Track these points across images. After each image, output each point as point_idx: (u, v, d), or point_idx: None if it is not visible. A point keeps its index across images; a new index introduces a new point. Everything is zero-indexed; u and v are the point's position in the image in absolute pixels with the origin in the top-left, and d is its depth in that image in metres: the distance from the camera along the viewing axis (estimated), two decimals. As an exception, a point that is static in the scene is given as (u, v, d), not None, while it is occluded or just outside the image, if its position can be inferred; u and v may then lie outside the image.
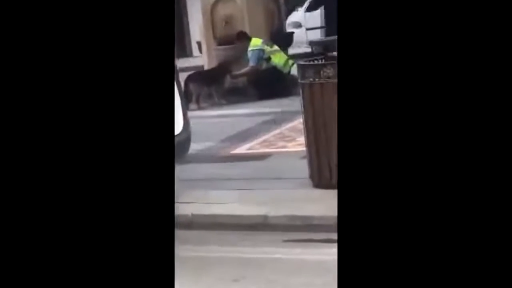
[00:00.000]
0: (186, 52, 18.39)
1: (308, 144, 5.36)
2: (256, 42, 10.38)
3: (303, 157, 5.55)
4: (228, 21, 10.99)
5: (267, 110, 9.10)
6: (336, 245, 4.26)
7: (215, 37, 11.13)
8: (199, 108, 9.74)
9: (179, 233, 4.45)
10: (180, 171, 5.75)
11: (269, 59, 10.37)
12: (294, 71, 8.92)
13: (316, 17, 15.40)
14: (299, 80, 5.39)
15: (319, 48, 11.27)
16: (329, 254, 4.16)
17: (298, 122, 6.46)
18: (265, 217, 4.88)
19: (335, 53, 6.80)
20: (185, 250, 4.47)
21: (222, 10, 11.03)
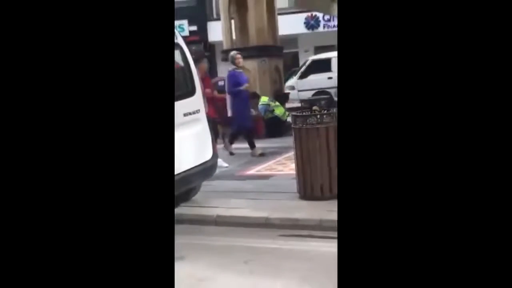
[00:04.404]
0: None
1: (297, 169, 5.31)
2: (264, 99, 10.39)
3: (294, 178, 5.49)
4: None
5: (271, 145, 8.98)
6: (317, 239, 4.31)
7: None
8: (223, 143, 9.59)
9: (207, 228, 4.91)
10: (209, 185, 6.02)
11: (273, 111, 10.33)
12: (289, 119, 8.79)
13: (305, 82, 15.52)
14: (292, 126, 5.34)
15: (306, 104, 11.48)
16: (312, 246, 4.19)
17: (291, 154, 6.36)
18: (267, 218, 4.84)
19: (315, 107, 6.90)
20: (211, 240, 4.57)
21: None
